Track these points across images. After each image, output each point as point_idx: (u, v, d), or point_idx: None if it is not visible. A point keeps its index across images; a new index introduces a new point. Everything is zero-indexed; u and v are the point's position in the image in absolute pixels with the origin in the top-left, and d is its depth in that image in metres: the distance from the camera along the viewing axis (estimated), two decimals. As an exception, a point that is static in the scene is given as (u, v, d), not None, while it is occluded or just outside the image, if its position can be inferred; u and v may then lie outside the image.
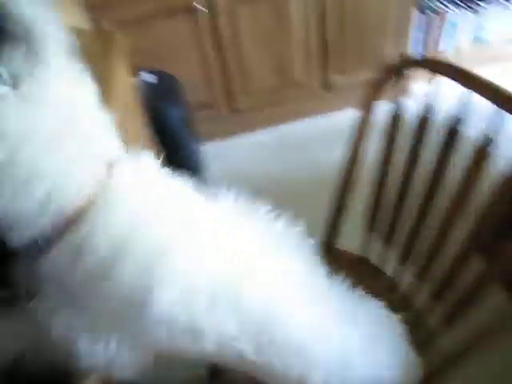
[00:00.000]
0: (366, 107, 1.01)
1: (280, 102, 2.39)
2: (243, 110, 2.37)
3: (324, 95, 2.41)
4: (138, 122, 1.58)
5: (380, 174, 1.05)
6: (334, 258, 1.19)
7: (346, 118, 2.38)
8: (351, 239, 1.16)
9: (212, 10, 2.00)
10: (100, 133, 0.58)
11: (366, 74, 2.31)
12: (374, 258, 1.17)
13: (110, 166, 0.58)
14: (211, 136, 2.35)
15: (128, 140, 0.68)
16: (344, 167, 1.08)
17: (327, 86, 2.37)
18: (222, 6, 2.00)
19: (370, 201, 1.10)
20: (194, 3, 1.95)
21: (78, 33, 1.61)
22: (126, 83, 1.45)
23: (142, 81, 1.90)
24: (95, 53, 1.46)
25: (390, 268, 1.12)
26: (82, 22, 1.82)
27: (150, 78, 1.96)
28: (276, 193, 1.98)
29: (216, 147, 2.36)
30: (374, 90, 0.99)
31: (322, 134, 2.37)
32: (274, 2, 2.05)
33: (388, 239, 1.09)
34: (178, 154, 1.92)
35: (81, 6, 1.81)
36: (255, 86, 2.29)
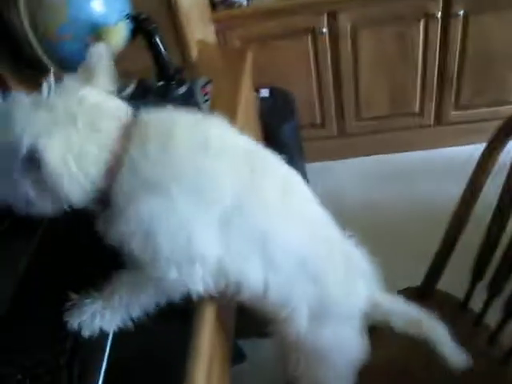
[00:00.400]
0: (489, 149, 0.98)
1: (390, 130, 2.37)
2: (353, 133, 2.38)
3: (437, 129, 2.35)
4: (256, 135, 1.66)
5: (496, 220, 1.01)
6: (434, 298, 1.17)
7: (456, 154, 2.30)
8: (453, 279, 1.13)
9: (334, 33, 2.05)
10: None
11: (483, 112, 2.22)
12: (476, 306, 1.12)
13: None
14: (317, 155, 2.38)
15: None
16: (458, 206, 1.06)
17: (441, 119, 2.30)
18: (344, 29, 2.03)
19: (480, 247, 1.05)
20: (320, 27, 2.01)
21: (205, 46, 1.73)
22: (250, 98, 1.53)
23: (260, 96, 1.99)
24: (221, 66, 1.56)
25: (492, 318, 1.07)
26: (209, 36, 1.94)
27: (267, 93, 2.04)
28: (369, 221, 1.97)
29: (320, 166, 2.38)
30: (499, 135, 0.96)
31: (429, 169, 2.29)
32: (399, 29, 2.03)
33: (494, 289, 1.04)
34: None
35: (208, 20, 1.94)
36: (368, 111, 2.29)
